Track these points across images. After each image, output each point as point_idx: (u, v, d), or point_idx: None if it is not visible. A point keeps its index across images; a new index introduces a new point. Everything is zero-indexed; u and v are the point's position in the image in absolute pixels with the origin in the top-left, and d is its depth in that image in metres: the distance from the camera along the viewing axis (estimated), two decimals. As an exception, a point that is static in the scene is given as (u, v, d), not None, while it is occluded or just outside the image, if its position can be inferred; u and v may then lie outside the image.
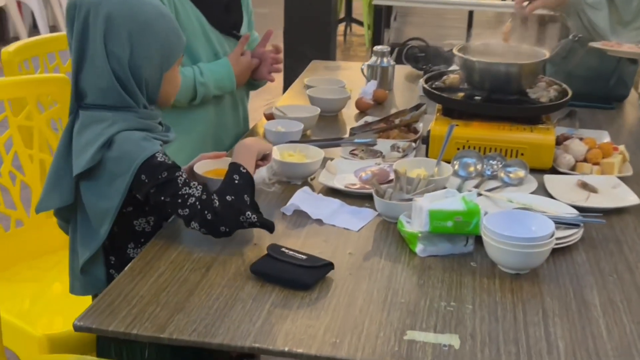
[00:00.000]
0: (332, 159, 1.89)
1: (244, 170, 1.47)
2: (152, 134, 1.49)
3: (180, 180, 1.42)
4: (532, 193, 1.71)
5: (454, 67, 2.39)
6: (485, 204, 1.63)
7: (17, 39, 6.62)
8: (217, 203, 1.40)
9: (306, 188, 1.72)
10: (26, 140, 2.09)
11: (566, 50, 2.48)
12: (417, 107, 2.30)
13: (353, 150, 1.97)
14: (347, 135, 2.09)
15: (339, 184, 1.75)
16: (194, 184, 1.42)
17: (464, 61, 1.98)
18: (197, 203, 1.40)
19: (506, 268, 1.39)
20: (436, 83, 2.10)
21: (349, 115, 2.34)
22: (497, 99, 1.94)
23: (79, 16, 1.45)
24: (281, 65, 2.20)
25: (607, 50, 2.18)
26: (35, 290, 2.01)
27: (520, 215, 1.45)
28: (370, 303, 1.28)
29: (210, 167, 1.70)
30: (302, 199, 1.66)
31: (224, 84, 2.06)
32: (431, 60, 4.63)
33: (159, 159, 1.42)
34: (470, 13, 4.41)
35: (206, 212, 1.39)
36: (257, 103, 5.56)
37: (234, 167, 1.48)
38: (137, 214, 1.52)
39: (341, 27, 8.04)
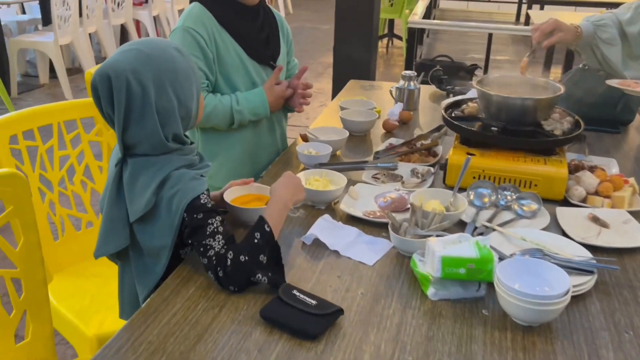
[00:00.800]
0: (355, 184, 1.55)
1: (268, 229, 1.16)
2: (196, 169, 1.20)
3: (210, 228, 1.12)
4: (544, 227, 1.35)
5: (472, 93, 2.01)
6: (499, 240, 1.27)
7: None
8: (229, 263, 1.09)
9: (327, 216, 1.39)
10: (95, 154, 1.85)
11: (576, 78, 2.06)
12: (439, 128, 1.94)
13: (376, 174, 1.62)
14: (371, 158, 1.74)
15: (358, 211, 1.41)
16: (218, 237, 1.12)
17: (482, 93, 1.60)
18: (214, 258, 1.10)
19: (518, 320, 1.04)
20: (455, 112, 1.73)
21: (377, 135, 1.99)
22: (513, 130, 1.56)
23: (118, 85, 1.11)
24: (309, 99, 1.85)
25: (625, 89, 1.76)
26: (97, 285, 1.76)
27: (535, 265, 1.09)
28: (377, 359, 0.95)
29: (238, 193, 1.40)
30: (322, 228, 1.34)
31: (258, 111, 1.73)
32: (455, 74, 4.24)
33: (202, 200, 1.14)
34: (490, 35, 3.94)
35: (219, 268, 1.10)
36: (313, 104, 5.25)
37: (260, 224, 1.17)
38: (183, 244, 1.22)
39: (385, 41, 7.67)
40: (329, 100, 4.80)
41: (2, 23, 5.42)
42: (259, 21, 1.76)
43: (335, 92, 4.20)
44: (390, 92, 2.27)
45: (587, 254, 1.21)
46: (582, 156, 1.71)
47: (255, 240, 1.14)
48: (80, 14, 5.36)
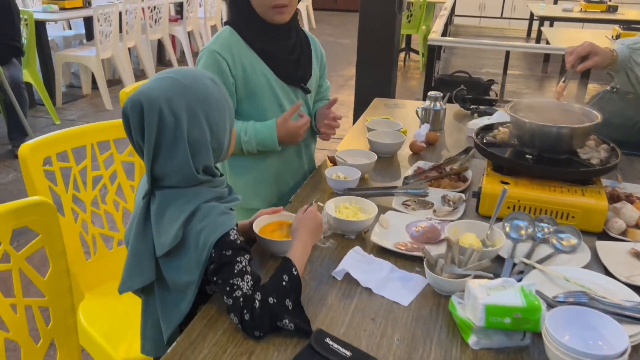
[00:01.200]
0: (385, 211, 1.40)
1: (295, 273, 1.01)
2: (225, 202, 1.06)
3: (238, 267, 0.98)
4: (586, 264, 1.18)
5: (499, 114, 1.84)
6: (540, 279, 1.11)
7: (170, 62, 6.39)
8: (258, 305, 0.95)
9: (358, 248, 1.23)
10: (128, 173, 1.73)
11: (604, 101, 1.88)
12: (467, 150, 1.77)
13: (406, 201, 1.47)
14: (399, 183, 1.58)
15: (390, 243, 1.26)
16: (247, 277, 0.97)
17: (516, 120, 1.43)
18: (241, 299, 0.96)
19: (569, 377, 0.88)
20: (487, 137, 1.56)
21: (404, 156, 1.83)
22: (547, 158, 1.39)
23: (150, 113, 0.98)
24: (335, 130, 1.67)
25: None
26: (127, 305, 1.60)
27: (587, 316, 0.93)
28: (417, 423, 0.80)
29: (267, 221, 1.26)
30: (353, 261, 1.19)
31: (266, 144, 1.56)
32: (473, 90, 4.05)
33: (231, 237, 1.00)
34: (507, 52, 3.75)
35: (245, 311, 0.95)
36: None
37: (287, 266, 1.02)
38: (208, 280, 1.06)
39: (402, 55, 7.48)
40: (350, 111, 4.64)
41: (50, 38, 5.35)
42: (290, 43, 1.60)
43: (357, 105, 4.06)
44: (417, 112, 2.11)
45: (636, 298, 1.05)
46: (615, 183, 1.54)
47: (284, 283, 0.99)
48: (120, 30, 5.28)
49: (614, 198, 1.42)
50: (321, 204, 1.39)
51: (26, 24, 4.29)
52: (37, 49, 4.83)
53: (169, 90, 1.00)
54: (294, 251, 1.07)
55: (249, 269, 0.99)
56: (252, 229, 1.22)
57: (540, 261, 1.19)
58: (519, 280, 1.10)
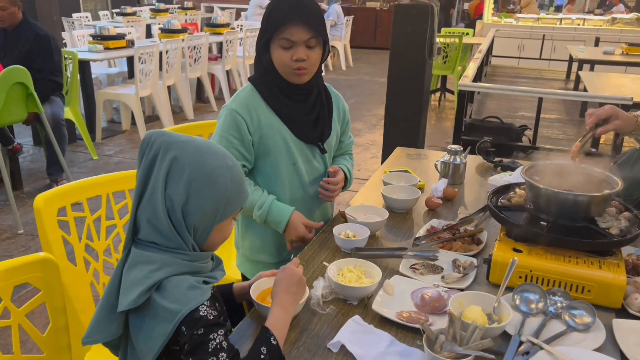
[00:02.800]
0: (391, 275, 1.35)
1: (274, 343, 0.99)
2: (200, 276, 1.03)
3: (212, 344, 0.95)
4: (599, 346, 1.10)
5: (518, 175, 1.78)
6: (547, 362, 1.04)
7: (208, 99, 6.56)
8: None
9: (357, 317, 1.19)
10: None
11: (633, 159, 1.80)
12: (484, 209, 1.72)
13: (414, 264, 1.42)
14: (410, 243, 1.54)
15: (392, 313, 1.21)
16: (222, 355, 0.94)
17: (531, 185, 1.38)
18: None
19: None
20: (502, 200, 1.50)
21: (419, 212, 1.78)
22: (563, 226, 1.32)
23: (149, 152, 1.02)
24: (332, 193, 1.64)
25: None
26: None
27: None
28: None
29: (266, 285, 1.23)
30: (351, 332, 1.14)
31: (272, 225, 1.58)
32: (505, 135, 3.98)
33: (201, 312, 0.96)
34: (540, 98, 3.68)
35: None
36: (365, 155, 5.09)
37: (265, 337, 1.00)
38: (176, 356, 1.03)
39: (437, 95, 7.46)
40: (380, 152, 4.62)
41: (94, 75, 5.59)
42: (309, 103, 1.60)
43: (385, 150, 4.03)
44: (435, 165, 2.07)
45: (652, 390, 0.97)
46: (639, 250, 1.45)
47: (262, 356, 0.96)
48: (161, 68, 5.47)
49: (637, 270, 1.33)
50: (326, 264, 1.36)
51: (71, 63, 4.50)
52: (81, 86, 5.05)
53: (183, 145, 1.02)
54: (272, 317, 1.04)
55: (224, 344, 0.95)
56: (250, 292, 1.20)
57: (550, 340, 1.11)
58: (524, 362, 1.04)
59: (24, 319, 1.18)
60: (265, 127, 1.55)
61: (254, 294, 1.19)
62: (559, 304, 1.21)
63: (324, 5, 10.15)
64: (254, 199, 1.55)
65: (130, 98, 5.10)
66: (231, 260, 2.05)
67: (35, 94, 3.54)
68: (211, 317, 0.97)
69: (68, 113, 4.39)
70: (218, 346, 0.94)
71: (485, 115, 4.08)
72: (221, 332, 0.97)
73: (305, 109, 1.60)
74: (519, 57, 8.73)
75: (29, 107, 3.58)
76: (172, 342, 0.98)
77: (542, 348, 1.08)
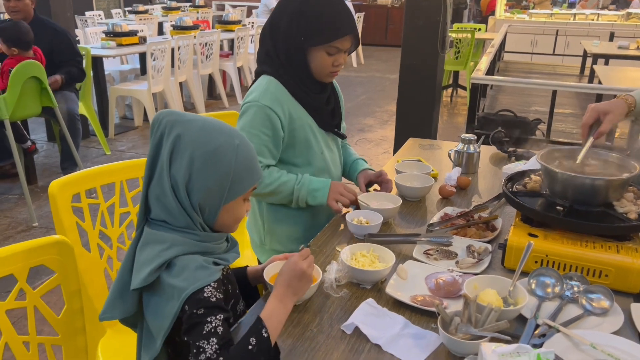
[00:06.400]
0: (405, 260, 1.34)
1: (265, 335, 0.97)
2: (211, 256, 1.03)
3: (207, 327, 0.94)
4: (617, 329, 1.09)
5: (535, 160, 1.76)
6: (563, 345, 1.03)
7: (220, 96, 6.59)
8: None
9: (371, 300, 1.18)
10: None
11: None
12: (498, 197, 1.70)
13: (428, 249, 1.41)
14: (424, 230, 1.52)
15: (406, 296, 1.20)
16: (212, 340, 0.93)
17: (547, 170, 1.36)
18: None
19: None
20: (517, 185, 1.49)
21: (432, 201, 1.77)
22: (580, 210, 1.31)
23: (157, 130, 1.02)
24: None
25: None
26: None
27: (609, 393, 0.84)
28: None
29: (279, 268, 1.22)
30: (365, 315, 1.14)
31: (315, 191, 1.60)
32: (517, 129, 3.94)
33: (205, 294, 0.96)
34: (554, 91, 3.64)
35: None
36: (377, 151, 5.07)
37: (257, 328, 0.98)
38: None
39: (449, 91, 7.42)
40: (391, 147, 4.61)
41: (107, 72, 5.62)
42: (325, 94, 1.67)
43: (397, 143, 4.01)
44: (449, 155, 2.05)
45: (672, 372, 0.95)
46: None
47: (250, 347, 0.94)
48: (173, 65, 5.49)
49: (655, 255, 1.31)
50: (339, 249, 1.35)
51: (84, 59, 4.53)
52: (94, 82, 5.09)
53: (188, 123, 1.02)
54: (268, 309, 1.02)
55: (219, 330, 0.94)
56: (263, 274, 1.20)
57: (567, 323, 1.10)
58: (541, 344, 1.03)
59: (40, 300, 1.19)
60: (296, 121, 1.58)
61: (267, 276, 1.19)
62: (575, 289, 1.19)
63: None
64: (290, 179, 1.58)
65: (143, 94, 5.13)
66: (244, 249, 2.06)
67: (49, 88, 3.57)
68: (214, 300, 0.96)
69: (81, 109, 4.42)
70: (212, 330, 0.94)
71: (498, 109, 4.03)
72: (220, 316, 0.96)
73: (323, 101, 1.66)
74: (532, 53, 8.64)
75: (43, 101, 3.61)
76: (180, 321, 0.98)
77: (558, 331, 1.07)
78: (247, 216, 1.85)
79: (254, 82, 1.63)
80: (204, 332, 0.93)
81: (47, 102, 3.62)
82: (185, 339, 0.95)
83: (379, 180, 1.72)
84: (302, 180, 1.59)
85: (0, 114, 3.32)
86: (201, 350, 0.92)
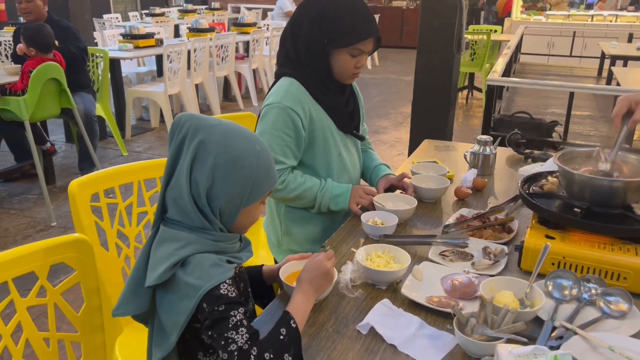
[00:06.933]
0: (420, 261, 1.34)
1: (294, 326, 0.99)
2: (225, 255, 1.04)
3: (233, 320, 0.96)
4: (636, 332, 1.08)
5: (553, 162, 1.75)
6: (581, 347, 1.02)
7: (235, 98, 6.63)
8: (253, 359, 0.92)
9: (386, 301, 1.18)
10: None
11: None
12: (515, 198, 1.69)
13: (444, 251, 1.40)
14: (439, 231, 1.52)
15: (421, 297, 1.20)
16: (242, 331, 0.95)
17: (564, 171, 1.35)
18: (236, 353, 0.93)
19: None
20: (534, 187, 1.48)
21: (448, 202, 1.76)
22: (598, 212, 1.29)
23: (178, 133, 1.04)
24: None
25: None
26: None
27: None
28: None
29: (295, 268, 1.24)
30: (381, 315, 1.14)
31: (337, 197, 1.62)
32: (534, 131, 3.90)
33: (222, 290, 0.97)
34: (571, 93, 3.60)
35: None
36: (391, 152, 5.06)
37: (285, 319, 1.01)
38: (200, 332, 1.05)
39: (465, 93, 7.39)
40: (406, 149, 4.60)
41: (124, 74, 5.69)
42: (345, 96, 1.68)
43: (412, 145, 4.00)
44: (465, 156, 2.04)
45: (692, 376, 0.94)
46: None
47: (281, 337, 0.97)
48: (189, 67, 5.54)
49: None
50: (354, 250, 1.35)
51: (102, 61, 4.59)
52: (112, 84, 5.15)
53: (211, 129, 1.03)
54: (294, 303, 1.05)
55: (244, 322, 0.96)
56: (279, 274, 1.20)
57: (584, 326, 1.09)
58: (558, 346, 1.02)
59: (60, 297, 1.20)
60: (316, 122, 1.59)
61: (283, 275, 1.20)
62: (593, 291, 1.18)
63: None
64: (314, 185, 1.60)
65: (159, 96, 5.18)
66: (260, 249, 2.07)
67: (68, 90, 3.62)
68: (232, 295, 0.98)
69: (99, 110, 4.47)
70: (238, 322, 0.96)
71: (514, 111, 4.00)
72: (241, 310, 0.97)
73: (343, 102, 1.67)
74: (549, 55, 8.57)
75: (62, 102, 3.66)
76: (194, 319, 1.00)
77: (576, 333, 1.06)
78: (264, 216, 1.86)
79: (274, 83, 1.64)
80: (230, 325, 0.95)
81: (65, 103, 3.67)
82: (210, 333, 0.96)
83: (401, 185, 1.72)
84: (325, 186, 1.61)
85: (21, 115, 3.38)
86: (230, 341, 0.94)
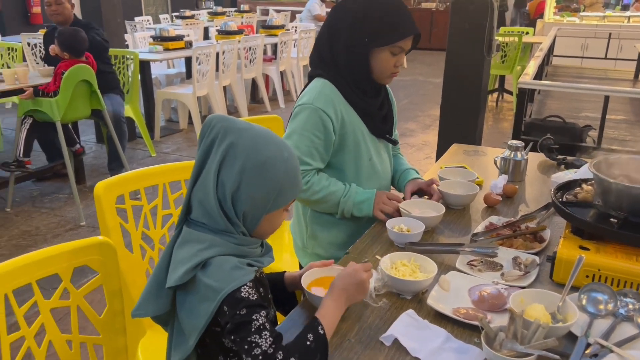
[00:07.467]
0: (447, 270, 1.30)
1: (322, 332, 0.97)
2: (247, 259, 1.03)
3: (255, 324, 0.94)
4: (677, 351, 1.02)
5: (587, 168, 1.69)
6: (617, 366, 0.97)
7: (262, 100, 6.65)
8: None
9: (411, 312, 1.15)
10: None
11: None
12: (547, 206, 1.63)
13: (471, 261, 1.36)
14: (468, 240, 1.48)
15: (448, 308, 1.16)
16: (265, 334, 0.93)
17: (600, 179, 1.29)
18: (261, 357, 0.92)
19: None
20: (567, 195, 1.42)
21: (477, 209, 1.71)
22: (636, 223, 1.23)
23: (209, 135, 1.03)
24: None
25: None
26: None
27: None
28: None
29: (317, 275, 1.22)
30: (405, 326, 1.10)
31: (361, 203, 1.59)
32: (568, 135, 3.80)
33: (243, 293, 0.96)
34: (607, 97, 3.49)
35: None
36: (418, 156, 4.99)
37: (313, 325, 0.98)
38: (221, 335, 1.03)
39: (495, 95, 7.27)
40: (434, 152, 4.54)
41: (153, 76, 5.76)
42: (380, 99, 1.66)
43: (440, 149, 3.94)
44: (495, 162, 1.99)
45: None
46: None
47: (308, 343, 0.95)
48: (217, 69, 5.57)
49: None
50: (378, 257, 1.32)
51: (132, 63, 4.65)
52: (142, 85, 5.22)
53: (241, 132, 1.02)
54: (324, 309, 1.03)
55: (267, 325, 0.95)
56: (301, 281, 1.18)
57: (620, 343, 1.04)
58: (592, 365, 0.97)
59: (83, 300, 1.21)
60: (347, 125, 1.57)
61: (304, 283, 1.17)
62: (630, 306, 1.12)
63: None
64: (338, 189, 1.57)
65: (188, 97, 5.22)
66: (282, 252, 2.05)
67: (98, 91, 3.68)
68: (253, 298, 0.96)
69: (128, 111, 4.54)
70: (261, 326, 0.94)
71: (546, 115, 3.90)
72: (263, 313, 0.96)
73: (377, 105, 1.65)
74: (582, 57, 8.35)
75: (93, 104, 3.72)
76: (214, 322, 0.98)
77: (612, 351, 1.01)
78: (291, 219, 1.84)
79: (307, 84, 1.62)
80: (253, 329, 0.93)
81: (96, 104, 3.73)
82: (233, 337, 0.95)
83: (429, 190, 1.68)
84: (348, 192, 1.58)
85: (53, 116, 3.44)
86: (254, 345, 0.92)
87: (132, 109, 4.62)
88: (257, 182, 1.01)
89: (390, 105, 1.73)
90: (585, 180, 1.47)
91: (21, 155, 3.63)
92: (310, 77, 1.63)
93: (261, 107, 6.76)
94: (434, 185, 1.68)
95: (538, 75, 4.84)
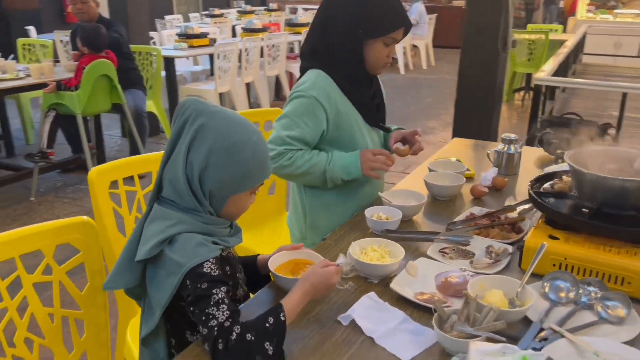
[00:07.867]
0: (417, 258, 1.32)
1: (282, 318, 0.99)
2: (213, 237, 1.07)
3: (215, 298, 0.98)
4: (632, 338, 1.01)
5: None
6: (566, 351, 0.97)
7: (285, 97, 6.70)
8: (234, 337, 0.95)
9: (372, 294, 1.17)
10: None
11: None
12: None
13: (444, 248, 1.37)
14: (444, 230, 1.49)
15: (410, 292, 1.18)
16: (223, 307, 0.98)
17: (574, 170, 1.29)
18: (216, 328, 0.96)
19: None
20: (545, 186, 1.42)
21: (464, 201, 1.72)
22: (607, 214, 1.23)
23: (181, 116, 1.08)
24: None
25: None
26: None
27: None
28: None
29: (285, 258, 1.25)
30: (364, 308, 1.13)
31: (348, 165, 1.58)
32: (578, 133, 3.72)
33: (205, 269, 1.01)
34: (624, 94, 3.42)
35: (220, 340, 0.95)
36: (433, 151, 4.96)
37: (276, 310, 1.01)
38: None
39: (521, 94, 7.16)
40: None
41: (178, 72, 5.88)
42: (372, 89, 1.69)
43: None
44: (488, 155, 1.99)
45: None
46: None
47: (267, 325, 0.98)
48: (240, 66, 5.66)
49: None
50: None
51: (155, 59, 4.78)
52: (166, 81, 5.34)
53: (213, 114, 1.06)
54: (290, 298, 1.06)
55: (226, 300, 0.99)
56: (268, 264, 1.22)
57: (577, 329, 1.04)
58: (540, 348, 0.98)
59: (65, 276, 1.27)
60: (342, 114, 1.60)
61: (272, 266, 1.21)
62: (592, 295, 1.12)
63: (406, 5, 10.03)
64: (321, 160, 1.58)
65: (210, 94, 5.32)
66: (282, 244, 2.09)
67: (119, 86, 3.80)
68: (215, 274, 1.01)
69: (151, 106, 4.66)
70: (220, 300, 0.98)
71: (564, 112, 3.83)
72: (224, 288, 1.00)
73: (370, 94, 1.68)
74: (615, 55, 8.12)
75: (113, 98, 3.85)
76: (179, 297, 1.03)
77: (563, 336, 1.01)
78: (288, 211, 1.87)
79: (300, 77, 1.66)
80: (212, 302, 0.98)
81: (116, 99, 3.85)
82: (192, 309, 0.99)
83: (412, 139, 1.69)
84: (332, 159, 1.58)
85: (74, 109, 3.58)
86: (211, 317, 0.97)
87: (154, 104, 4.75)
88: (225, 163, 1.05)
89: (381, 94, 1.76)
90: (567, 172, 1.46)
91: (45, 147, 3.78)
92: (303, 70, 1.66)
93: (284, 104, 6.82)
94: (417, 136, 1.70)
95: (562, 73, 4.74)
